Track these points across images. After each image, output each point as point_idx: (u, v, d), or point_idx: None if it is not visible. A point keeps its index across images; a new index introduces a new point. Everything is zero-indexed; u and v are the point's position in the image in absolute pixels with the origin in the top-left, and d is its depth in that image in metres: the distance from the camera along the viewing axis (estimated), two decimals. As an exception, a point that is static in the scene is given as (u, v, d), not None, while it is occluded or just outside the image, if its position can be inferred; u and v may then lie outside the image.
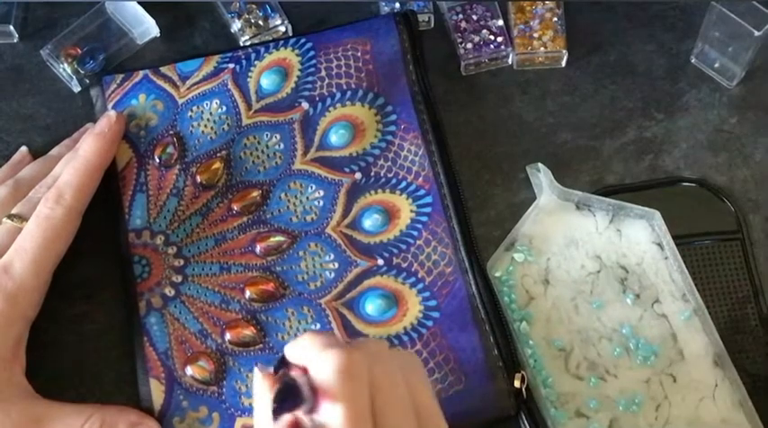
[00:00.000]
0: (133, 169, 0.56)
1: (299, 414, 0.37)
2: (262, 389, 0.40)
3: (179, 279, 0.53)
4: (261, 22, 0.62)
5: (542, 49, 0.60)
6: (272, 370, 0.40)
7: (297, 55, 0.58)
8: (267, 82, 0.57)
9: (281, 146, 0.56)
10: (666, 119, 0.60)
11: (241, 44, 0.62)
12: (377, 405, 0.39)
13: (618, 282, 0.55)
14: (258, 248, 0.54)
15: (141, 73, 0.58)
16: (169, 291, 0.53)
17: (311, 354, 0.39)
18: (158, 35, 0.62)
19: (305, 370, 0.39)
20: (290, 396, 0.37)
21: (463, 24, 0.61)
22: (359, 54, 0.58)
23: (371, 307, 0.52)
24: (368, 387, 0.39)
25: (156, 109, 0.57)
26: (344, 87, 0.57)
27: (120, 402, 0.51)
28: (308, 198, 0.55)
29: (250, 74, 0.58)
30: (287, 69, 0.58)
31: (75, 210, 0.52)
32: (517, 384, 0.50)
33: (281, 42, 0.59)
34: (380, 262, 0.53)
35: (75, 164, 0.53)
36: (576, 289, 0.55)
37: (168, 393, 0.51)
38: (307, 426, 0.36)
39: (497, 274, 0.55)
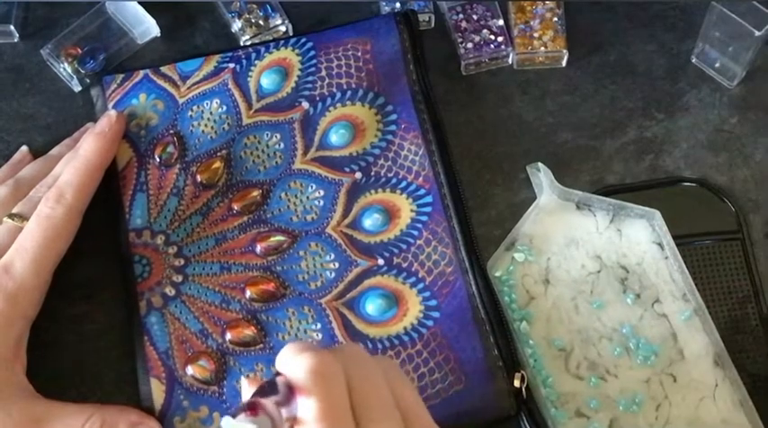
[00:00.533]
0: (133, 169, 0.56)
1: (265, 400, 0.38)
2: (247, 394, 0.41)
3: (179, 278, 0.53)
4: (261, 22, 0.62)
5: (543, 48, 0.60)
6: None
7: (297, 54, 0.58)
8: (267, 81, 0.57)
9: (282, 145, 0.56)
10: (667, 119, 0.60)
11: (241, 44, 0.62)
12: (359, 405, 0.39)
13: (618, 282, 0.55)
14: (258, 248, 0.54)
15: (141, 72, 0.58)
16: (170, 291, 0.53)
17: (287, 359, 0.40)
18: (159, 35, 0.62)
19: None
20: (267, 391, 0.38)
21: (463, 24, 0.61)
22: (359, 54, 0.58)
23: (372, 306, 0.52)
24: (344, 386, 0.39)
25: (157, 108, 0.57)
26: (345, 87, 0.57)
27: (120, 402, 0.51)
28: (308, 197, 0.55)
29: (250, 73, 0.58)
30: (287, 69, 0.58)
31: (76, 210, 0.52)
32: (517, 384, 0.50)
33: (282, 42, 0.59)
34: (381, 261, 0.53)
35: (75, 164, 0.53)
36: (576, 289, 0.55)
37: (169, 392, 0.51)
38: (267, 407, 0.37)
39: (498, 274, 0.55)
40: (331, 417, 0.38)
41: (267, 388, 0.38)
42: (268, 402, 0.37)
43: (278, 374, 0.40)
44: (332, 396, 0.38)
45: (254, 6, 0.62)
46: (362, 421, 0.39)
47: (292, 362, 0.39)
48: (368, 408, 0.39)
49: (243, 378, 0.42)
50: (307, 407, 0.38)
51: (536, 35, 0.61)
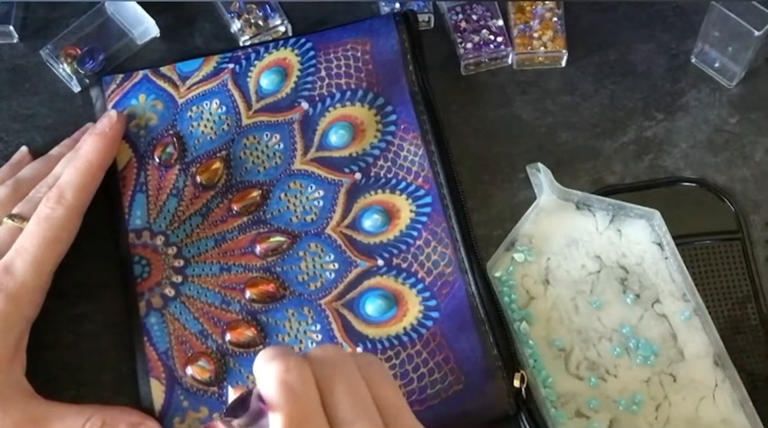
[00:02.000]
0: (133, 169, 0.56)
1: (232, 422, 0.38)
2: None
3: (179, 279, 0.54)
4: (261, 23, 0.62)
5: (542, 48, 0.60)
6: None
7: (296, 55, 0.58)
8: (267, 82, 0.57)
9: (281, 146, 0.56)
10: (666, 118, 0.60)
11: (241, 44, 0.62)
12: (332, 407, 0.39)
13: (618, 282, 0.55)
14: (258, 249, 0.54)
15: (141, 73, 0.58)
16: (169, 291, 0.53)
17: (259, 367, 0.40)
18: (158, 35, 0.62)
19: None
20: (237, 407, 0.38)
21: (463, 24, 0.61)
22: (359, 54, 0.58)
23: (371, 307, 0.52)
24: (314, 392, 0.39)
25: (156, 109, 0.57)
26: (344, 87, 0.57)
27: (120, 402, 0.51)
28: (307, 198, 0.55)
29: (250, 74, 0.58)
30: (287, 69, 0.58)
31: (76, 210, 0.52)
32: (516, 384, 0.50)
33: (281, 42, 0.59)
34: (380, 262, 0.53)
35: (75, 164, 0.53)
36: (576, 289, 0.55)
37: (168, 393, 0.51)
38: None
39: (497, 274, 0.55)
40: None
41: (239, 404, 0.38)
42: (234, 425, 0.37)
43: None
44: (299, 408, 0.38)
45: (254, 7, 0.62)
46: (336, 422, 0.39)
47: (262, 372, 0.39)
48: (342, 410, 0.39)
49: (229, 386, 0.43)
50: (275, 422, 0.38)
51: (536, 35, 0.61)
